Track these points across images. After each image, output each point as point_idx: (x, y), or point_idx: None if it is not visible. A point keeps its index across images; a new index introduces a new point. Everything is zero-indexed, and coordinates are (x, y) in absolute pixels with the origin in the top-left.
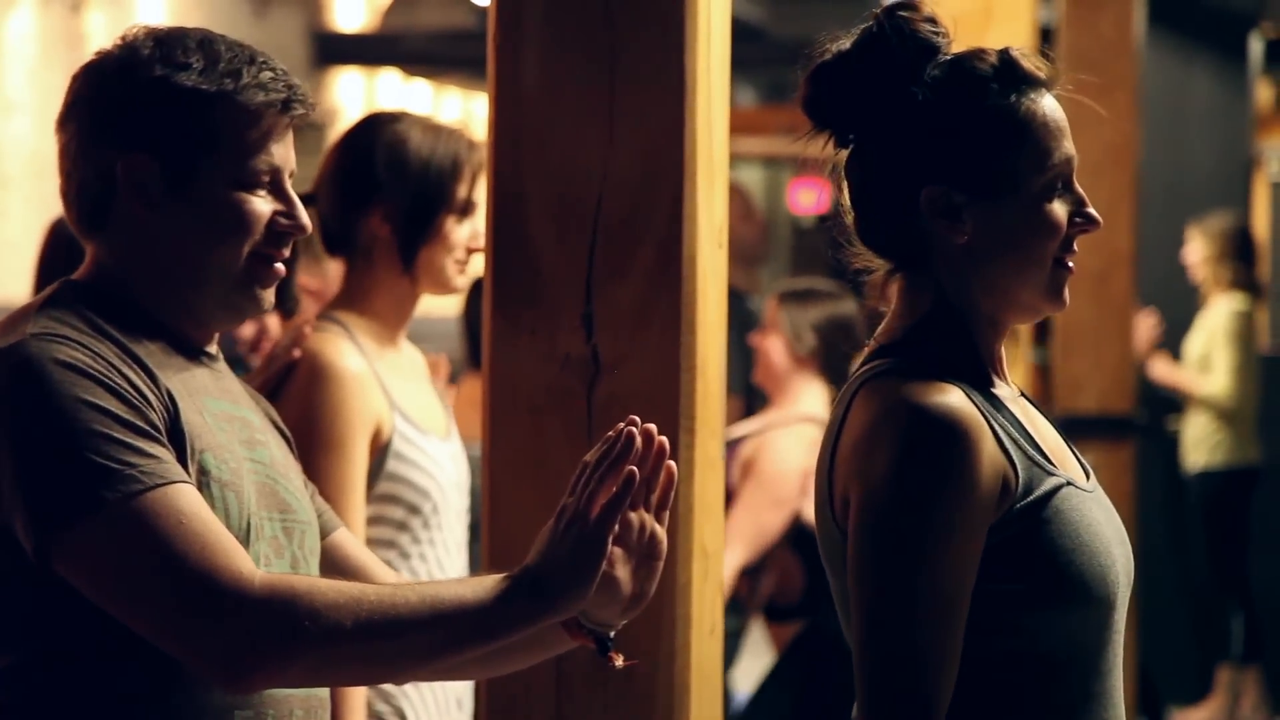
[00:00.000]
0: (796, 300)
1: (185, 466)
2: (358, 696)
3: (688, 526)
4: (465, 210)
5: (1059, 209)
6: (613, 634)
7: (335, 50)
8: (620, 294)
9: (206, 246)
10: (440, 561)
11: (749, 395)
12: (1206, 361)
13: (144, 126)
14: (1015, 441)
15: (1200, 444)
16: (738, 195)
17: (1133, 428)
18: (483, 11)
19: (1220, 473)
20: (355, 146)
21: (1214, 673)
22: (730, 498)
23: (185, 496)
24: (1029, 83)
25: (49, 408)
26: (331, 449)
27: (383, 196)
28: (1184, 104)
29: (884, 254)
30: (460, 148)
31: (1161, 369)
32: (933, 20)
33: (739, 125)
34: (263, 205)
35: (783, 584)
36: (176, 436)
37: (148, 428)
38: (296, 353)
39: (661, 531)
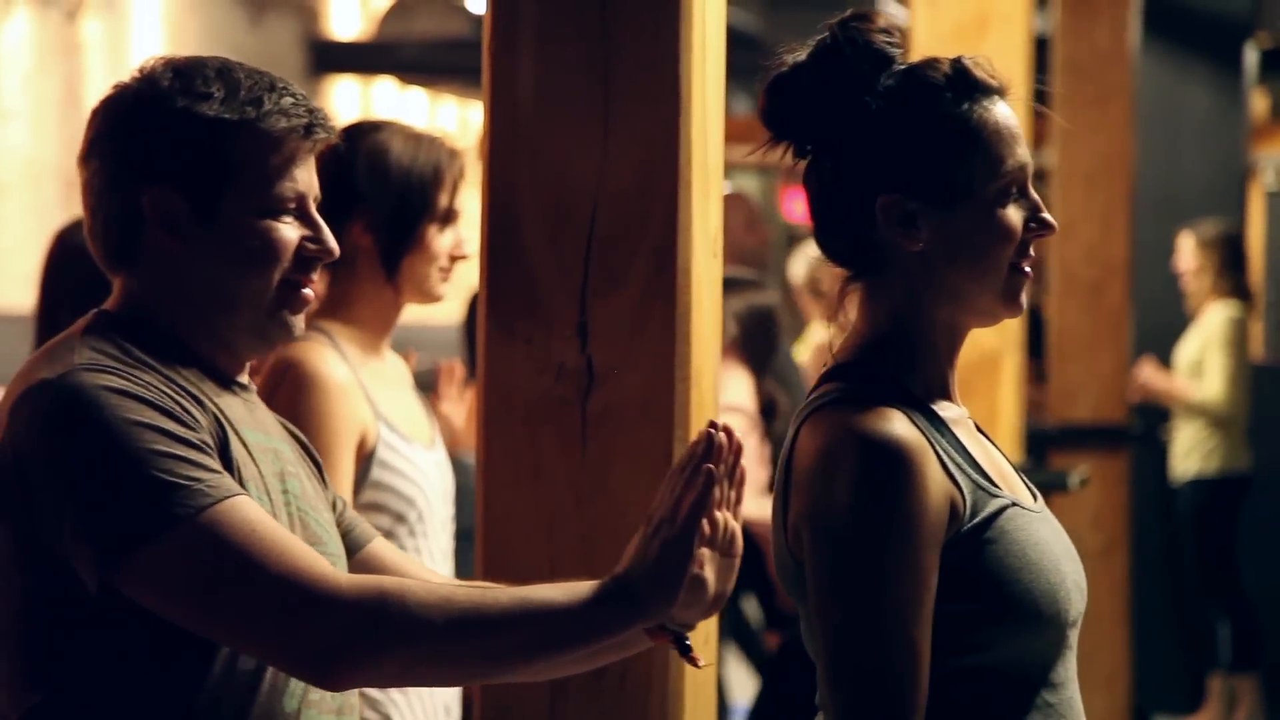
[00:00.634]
0: None
1: None
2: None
3: None
4: (447, 219)
5: (1013, 215)
6: (689, 634)
7: (331, 58)
8: (615, 304)
9: (236, 275)
10: None
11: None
12: (1198, 368)
13: (168, 159)
14: (959, 465)
15: (1192, 451)
16: (744, 205)
17: (1127, 437)
18: (479, 20)
19: (1212, 480)
20: (336, 156)
21: (1205, 682)
22: None
23: (252, 508)
24: (981, 90)
25: (108, 433)
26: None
27: (364, 206)
28: (1179, 113)
29: (842, 262)
30: (441, 156)
31: (1153, 375)
32: (887, 31)
33: (734, 134)
34: (290, 232)
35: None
36: (225, 462)
37: (203, 445)
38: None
39: (738, 528)
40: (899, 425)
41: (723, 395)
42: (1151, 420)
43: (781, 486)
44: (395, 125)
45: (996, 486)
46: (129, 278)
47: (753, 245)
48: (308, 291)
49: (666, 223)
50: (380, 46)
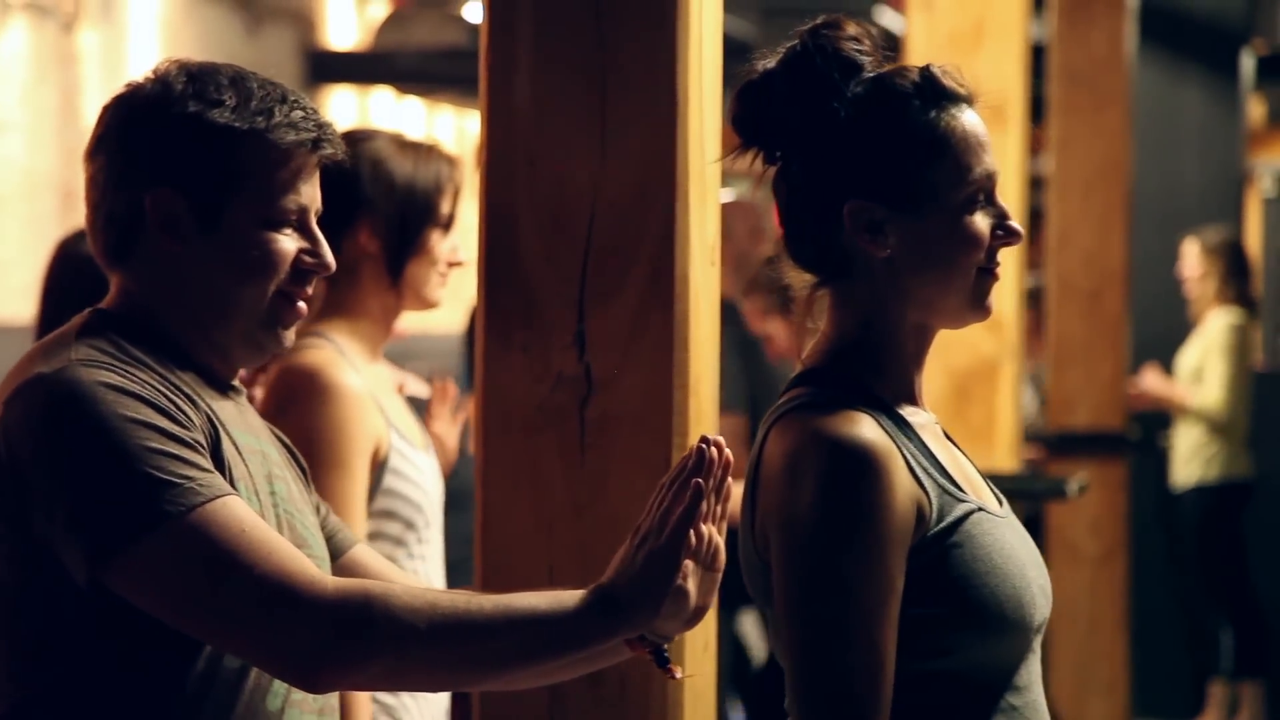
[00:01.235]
0: None
1: None
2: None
3: None
4: (448, 225)
5: (980, 222)
6: (667, 646)
7: (328, 68)
8: (612, 312)
9: (233, 283)
10: (429, 576)
11: (753, 412)
12: (1199, 374)
13: (174, 161)
14: (925, 469)
15: (1193, 458)
16: (749, 212)
17: (1125, 444)
18: (476, 30)
19: (1214, 487)
20: (337, 164)
21: (1206, 688)
22: None
23: (242, 508)
24: (949, 98)
25: (102, 428)
26: (335, 467)
27: (369, 212)
28: (1175, 120)
29: (810, 268)
30: (441, 164)
31: (1154, 381)
32: (857, 39)
33: (731, 143)
34: (289, 244)
35: None
36: (217, 462)
37: (196, 444)
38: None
39: (721, 543)
40: (866, 429)
41: None
42: (1150, 427)
43: (749, 489)
44: (386, 133)
45: (963, 491)
46: (126, 277)
47: (757, 253)
48: (301, 305)
49: (664, 232)
50: (377, 56)
